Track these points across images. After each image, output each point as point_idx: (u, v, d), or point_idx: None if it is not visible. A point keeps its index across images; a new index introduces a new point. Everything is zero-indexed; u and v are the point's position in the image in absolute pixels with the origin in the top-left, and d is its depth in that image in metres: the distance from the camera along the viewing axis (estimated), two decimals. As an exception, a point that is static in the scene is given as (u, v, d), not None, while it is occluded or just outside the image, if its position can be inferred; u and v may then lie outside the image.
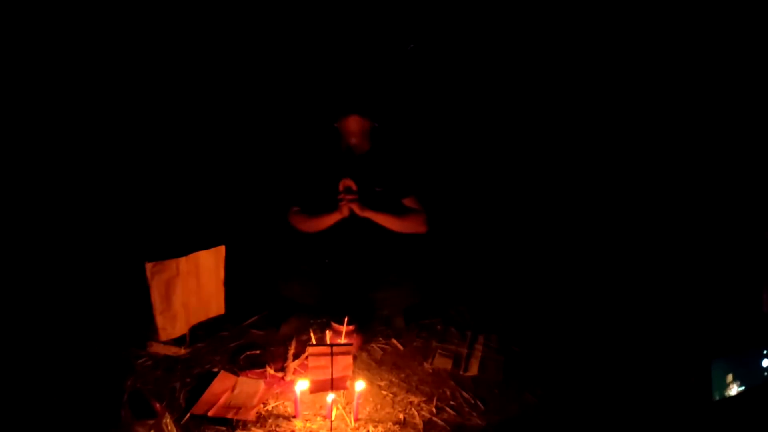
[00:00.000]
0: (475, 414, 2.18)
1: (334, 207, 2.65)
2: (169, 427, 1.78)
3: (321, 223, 2.71)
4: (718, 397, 2.02)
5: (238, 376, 2.31)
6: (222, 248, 2.50)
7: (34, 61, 3.36)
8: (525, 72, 3.80)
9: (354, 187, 2.63)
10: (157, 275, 2.30)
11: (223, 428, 2.00)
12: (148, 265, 2.27)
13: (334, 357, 1.99)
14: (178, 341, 2.47)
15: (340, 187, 2.63)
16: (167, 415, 1.82)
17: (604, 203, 3.74)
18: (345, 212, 2.63)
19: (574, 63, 3.74)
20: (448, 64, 3.79)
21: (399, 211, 2.74)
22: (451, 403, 2.24)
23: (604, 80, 3.71)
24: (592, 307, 2.97)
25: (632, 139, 3.71)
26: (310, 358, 2.00)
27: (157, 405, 1.85)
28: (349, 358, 2.02)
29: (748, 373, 2.07)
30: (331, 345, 2.04)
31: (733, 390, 2.05)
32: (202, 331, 2.59)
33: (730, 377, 2.04)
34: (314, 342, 2.32)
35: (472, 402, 2.25)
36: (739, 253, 2.93)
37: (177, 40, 3.61)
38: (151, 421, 1.76)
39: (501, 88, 3.85)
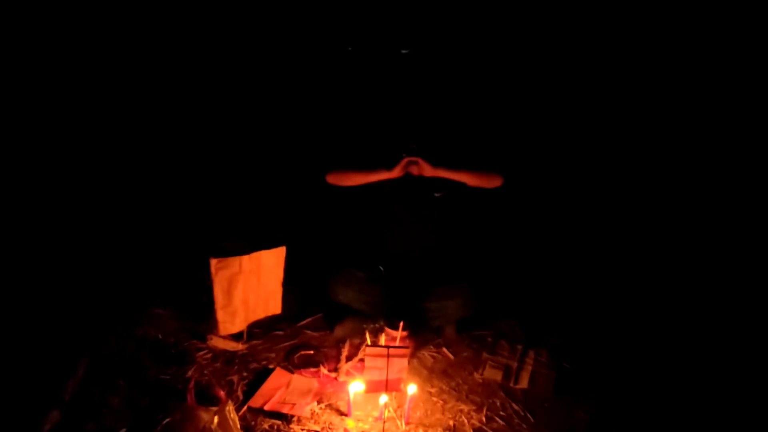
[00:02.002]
0: (525, 426, 2.18)
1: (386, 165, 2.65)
2: (231, 415, 1.85)
3: (366, 176, 2.70)
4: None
5: (292, 373, 2.38)
6: (283, 249, 2.58)
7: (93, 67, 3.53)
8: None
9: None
10: (221, 271, 2.39)
11: (279, 422, 2.07)
12: (213, 261, 2.36)
13: (390, 359, 2.04)
14: (236, 337, 2.56)
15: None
16: (230, 403, 1.89)
17: (668, 218, 3.66)
18: (398, 171, 2.62)
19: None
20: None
21: (470, 170, 2.71)
22: (501, 413, 2.25)
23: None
24: (648, 324, 2.93)
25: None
26: (366, 358, 2.06)
27: (222, 393, 1.93)
28: (405, 361, 2.07)
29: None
30: (388, 347, 2.09)
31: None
32: (259, 329, 2.67)
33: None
34: (369, 343, 2.37)
35: (522, 414, 2.25)
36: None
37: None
38: (214, 408, 1.83)
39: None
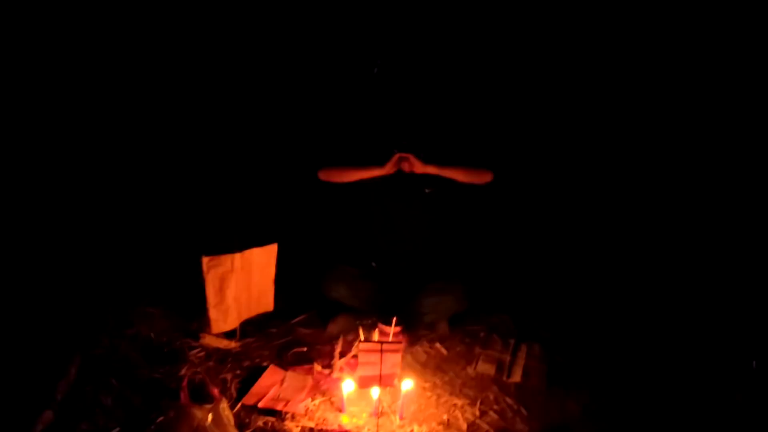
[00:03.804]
0: (518, 419, 2.19)
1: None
2: (226, 412, 1.85)
3: (358, 173, 2.74)
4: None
5: (286, 371, 2.38)
6: (275, 246, 2.58)
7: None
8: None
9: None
10: (213, 269, 2.38)
11: (273, 419, 2.06)
12: (205, 260, 2.36)
13: (384, 354, 2.04)
14: (228, 335, 2.56)
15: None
16: (224, 400, 1.89)
17: (657, 216, 3.66)
18: (390, 168, 2.67)
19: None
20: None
21: (461, 166, 2.75)
22: (495, 407, 2.26)
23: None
24: (640, 320, 2.95)
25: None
26: (360, 353, 2.06)
27: (215, 390, 1.93)
28: (398, 356, 2.07)
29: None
30: (381, 342, 2.09)
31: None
32: (251, 326, 2.67)
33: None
34: (363, 339, 2.37)
35: (515, 407, 2.26)
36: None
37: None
38: (208, 406, 1.83)
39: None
